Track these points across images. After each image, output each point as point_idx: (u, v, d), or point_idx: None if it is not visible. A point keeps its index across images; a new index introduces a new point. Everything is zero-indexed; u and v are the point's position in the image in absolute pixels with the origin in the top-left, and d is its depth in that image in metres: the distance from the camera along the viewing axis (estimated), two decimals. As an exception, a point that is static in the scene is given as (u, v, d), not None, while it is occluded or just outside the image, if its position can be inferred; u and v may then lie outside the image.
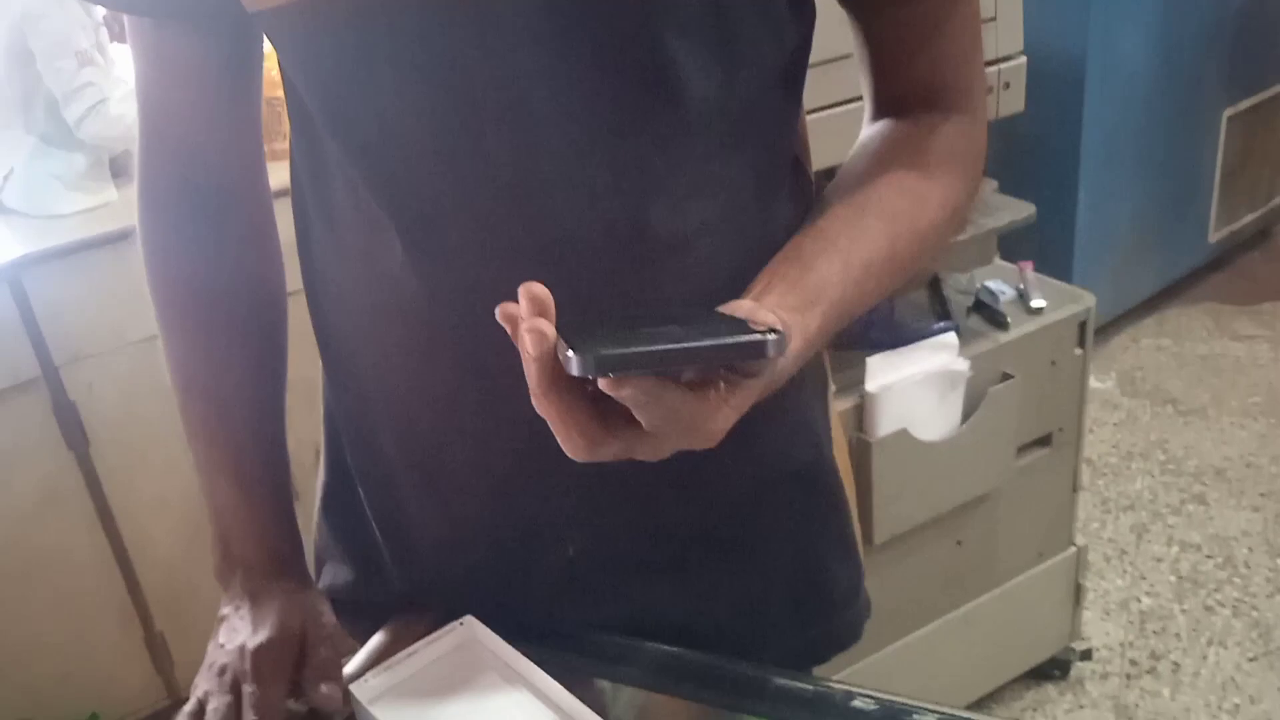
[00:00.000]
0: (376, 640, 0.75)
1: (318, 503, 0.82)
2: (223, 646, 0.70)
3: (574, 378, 0.46)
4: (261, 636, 0.69)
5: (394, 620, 0.77)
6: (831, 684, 0.70)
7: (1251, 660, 1.96)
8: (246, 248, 0.74)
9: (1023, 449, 1.73)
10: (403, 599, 0.78)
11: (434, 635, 0.72)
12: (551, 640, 0.74)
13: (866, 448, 1.50)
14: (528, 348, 0.46)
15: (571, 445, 0.48)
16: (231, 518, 0.75)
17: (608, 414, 0.48)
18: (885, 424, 1.50)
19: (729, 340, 0.47)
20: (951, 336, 1.55)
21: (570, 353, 0.45)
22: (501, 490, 0.72)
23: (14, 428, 1.75)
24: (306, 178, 0.68)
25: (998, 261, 1.82)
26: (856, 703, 0.68)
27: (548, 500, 0.70)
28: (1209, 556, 2.23)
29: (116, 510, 1.87)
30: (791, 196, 0.71)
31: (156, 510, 1.91)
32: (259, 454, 0.75)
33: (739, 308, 0.53)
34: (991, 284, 1.74)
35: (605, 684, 0.73)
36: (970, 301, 1.72)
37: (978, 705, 1.89)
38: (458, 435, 0.70)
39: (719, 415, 0.50)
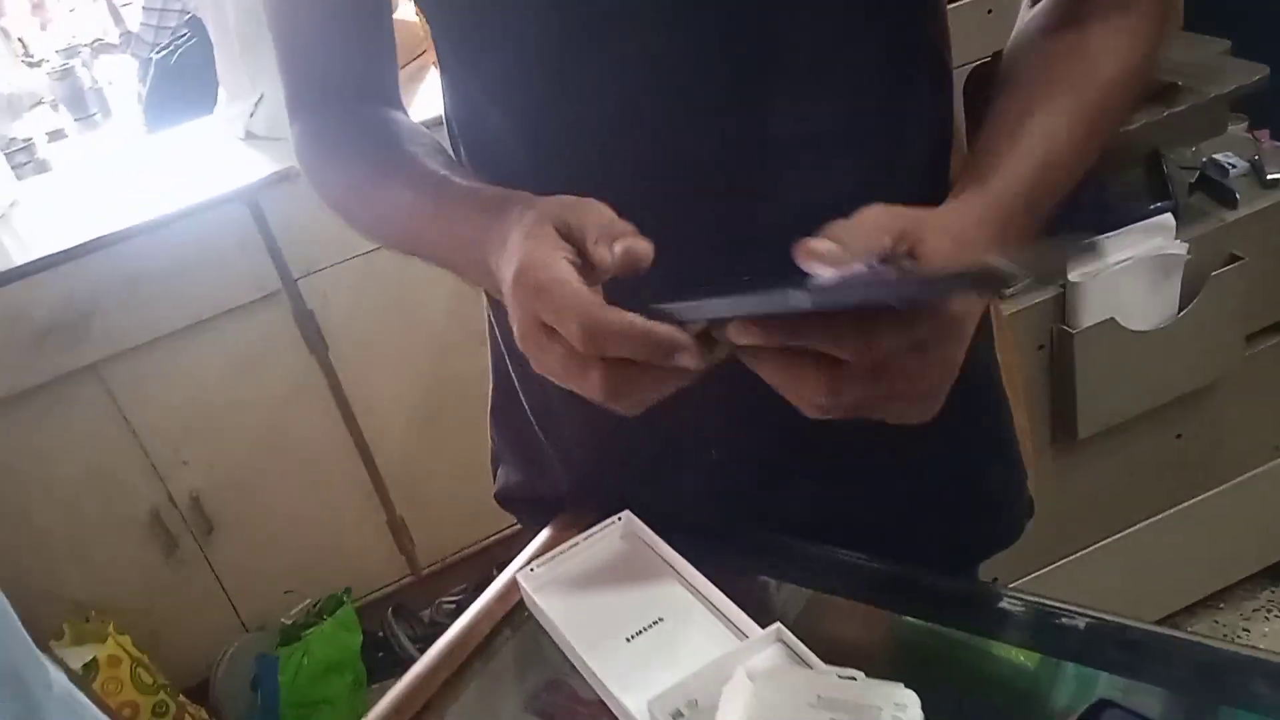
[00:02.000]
0: (544, 534, 0.81)
1: (489, 413, 0.88)
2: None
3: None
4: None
5: (560, 516, 0.82)
6: (980, 585, 0.70)
7: None
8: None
9: (1254, 336, 1.60)
10: (568, 496, 0.83)
11: (594, 529, 0.77)
12: (705, 535, 0.77)
13: (1068, 339, 1.43)
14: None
15: (800, 393, 0.50)
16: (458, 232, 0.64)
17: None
18: (1089, 314, 1.43)
19: (950, 272, 0.45)
20: (1168, 218, 1.44)
21: (791, 290, 0.44)
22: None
23: (262, 334, 1.94)
24: (451, 108, 0.72)
25: (1232, 131, 1.66)
26: (1004, 604, 0.68)
27: (687, 413, 0.73)
28: None
29: (356, 406, 2.05)
30: (930, 93, 0.68)
31: (392, 405, 2.09)
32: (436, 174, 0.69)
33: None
34: (1221, 157, 1.60)
35: (756, 579, 0.76)
36: (1194, 178, 1.58)
37: (1202, 605, 1.80)
38: None
39: (932, 371, 0.51)
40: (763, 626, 0.66)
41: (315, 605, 2.03)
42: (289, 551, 2.06)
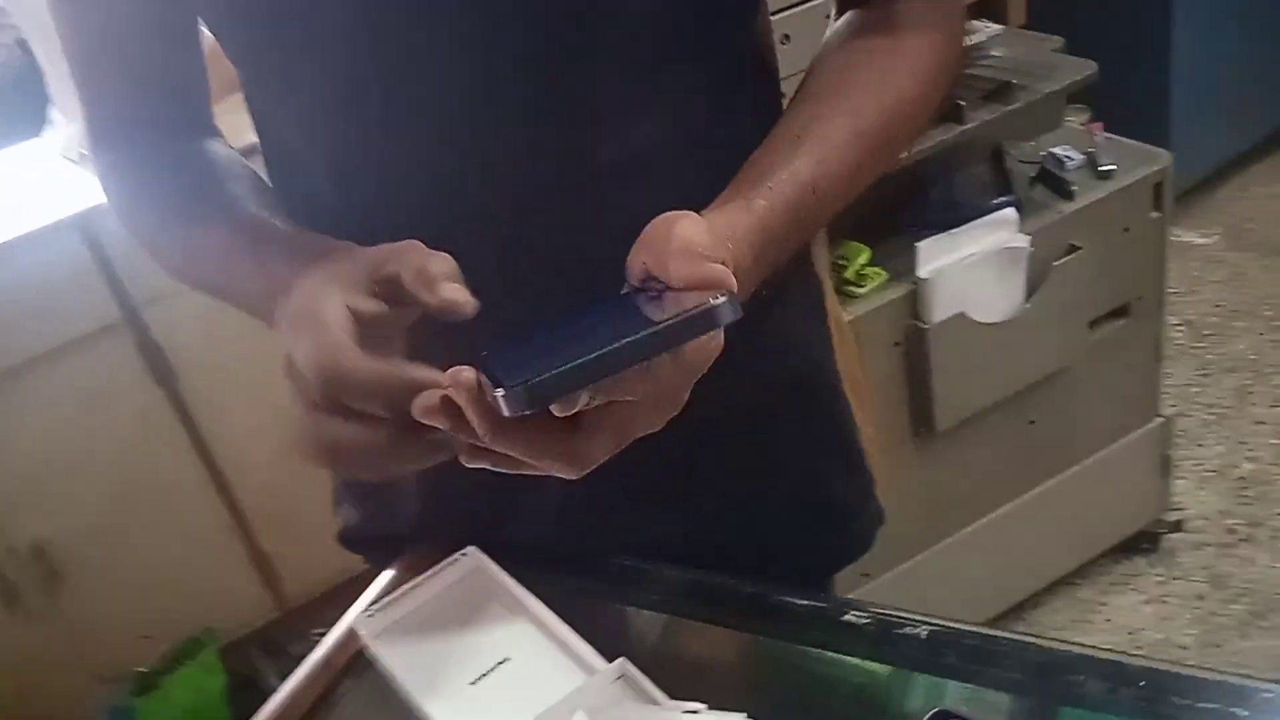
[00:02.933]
0: (386, 576, 0.78)
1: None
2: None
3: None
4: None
5: (403, 555, 0.79)
6: (827, 600, 0.70)
7: (1359, 523, 1.88)
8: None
9: (1097, 322, 1.66)
10: (411, 534, 0.80)
11: (436, 568, 0.74)
12: (557, 567, 0.75)
13: (921, 335, 1.46)
14: (462, 404, 0.45)
15: (559, 469, 0.47)
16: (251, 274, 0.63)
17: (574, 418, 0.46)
18: (941, 309, 1.46)
19: (673, 321, 0.43)
20: (1010, 212, 1.48)
21: (499, 392, 0.42)
22: None
23: (105, 369, 1.83)
24: (262, 145, 0.69)
25: (1069, 125, 1.72)
26: (849, 617, 0.68)
27: None
28: (1317, 416, 2.13)
29: (211, 439, 1.96)
30: (754, 109, 0.67)
31: (251, 436, 2.00)
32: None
33: (659, 240, 0.50)
34: (1058, 150, 1.65)
35: (612, 608, 0.74)
36: (1035, 171, 1.63)
37: (1060, 583, 1.87)
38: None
39: (681, 382, 0.48)
40: (607, 653, 0.64)
41: (175, 650, 1.93)
42: (145, 596, 1.96)
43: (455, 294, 0.49)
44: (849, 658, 0.66)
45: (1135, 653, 1.64)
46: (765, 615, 0.70)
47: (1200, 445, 2.12)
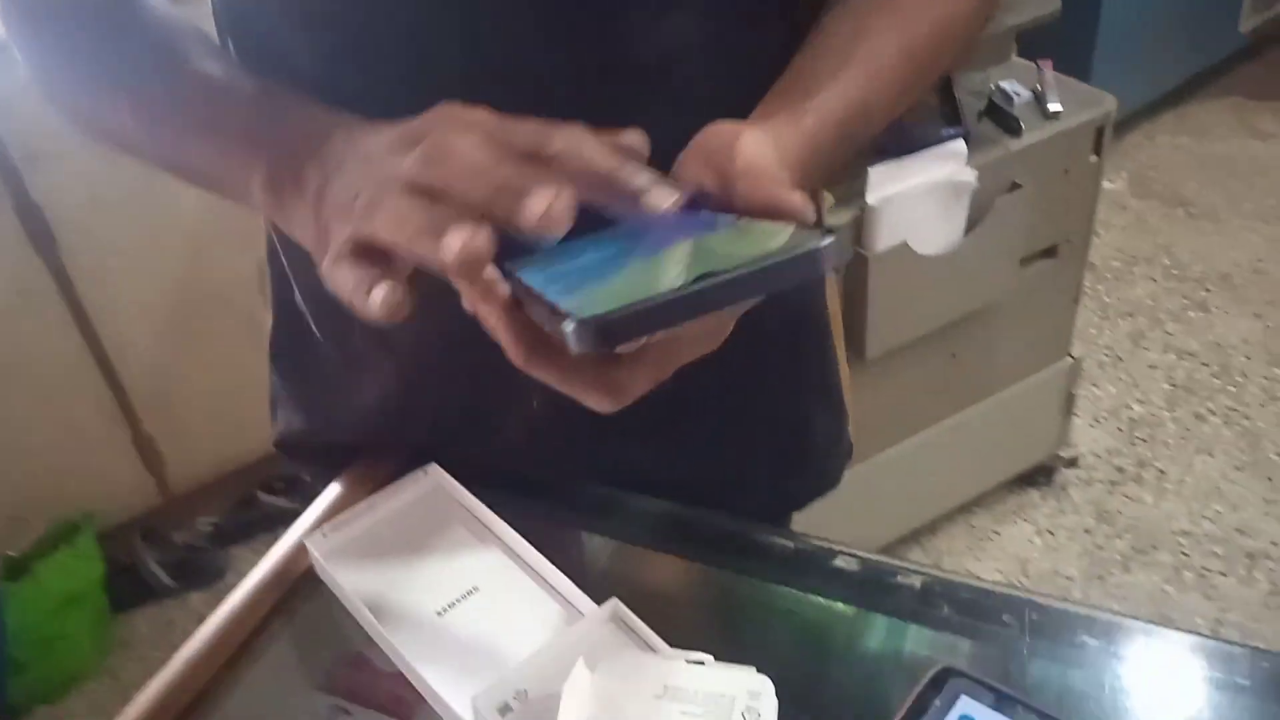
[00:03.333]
0: (334, 490, 0.71)
1: (268, 349, 0.76)
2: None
3: None
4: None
5: (352, 468, 0.73)
6: (813, 541, 0.67)
7: (1238, 469, 1.97)
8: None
9: (1027, 260, 1.67)
10: (361, 444, 0.74)
11: (394, 485, 0.68)
12: (520, 491, 0.70)
13: (863, 262, 1.44)
14: (492, 321, 0.40)
15: (594, 400, 0.42)
16: (236, 131, 0.53)
17: None
18: (885, 238, 1.43)
19: (777, 260, 0.36)
20: (960, 144, 1.46)
21: (567, 325, 0.35)
22: (464, 338, 0.66)
23: (-25, 229, 1.68)
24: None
25: (1015, 59, 1.70)
26: (838, 561, 0.65)
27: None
28: (1205, 364, 2.21)
29: (93, 313, 1.83)
30: (786, 10, 0.62)
31: (137, 312, 1.88)
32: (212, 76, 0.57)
33: (720, 137, 0.45)
34: (1006, 85, 1.63)
35: (576, 536, 0.70)
36: (983, 104, 1.61)
37: (960, 510, 1.91)
38: (420, 281, 0.64)
39: (732, 316, 0.44)
40: (584, 588, 0.60)
41: (49, 534, 1.82)
42: (17, 476, 1.83)
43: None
44: (835, 603, 0.64)
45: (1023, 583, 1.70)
46: (743, 552, 0.67)
47: (1095, 386, 2.19)
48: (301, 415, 0.76)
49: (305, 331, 0.71)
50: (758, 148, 0.44)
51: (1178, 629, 0.58)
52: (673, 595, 0.68)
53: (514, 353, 0.41)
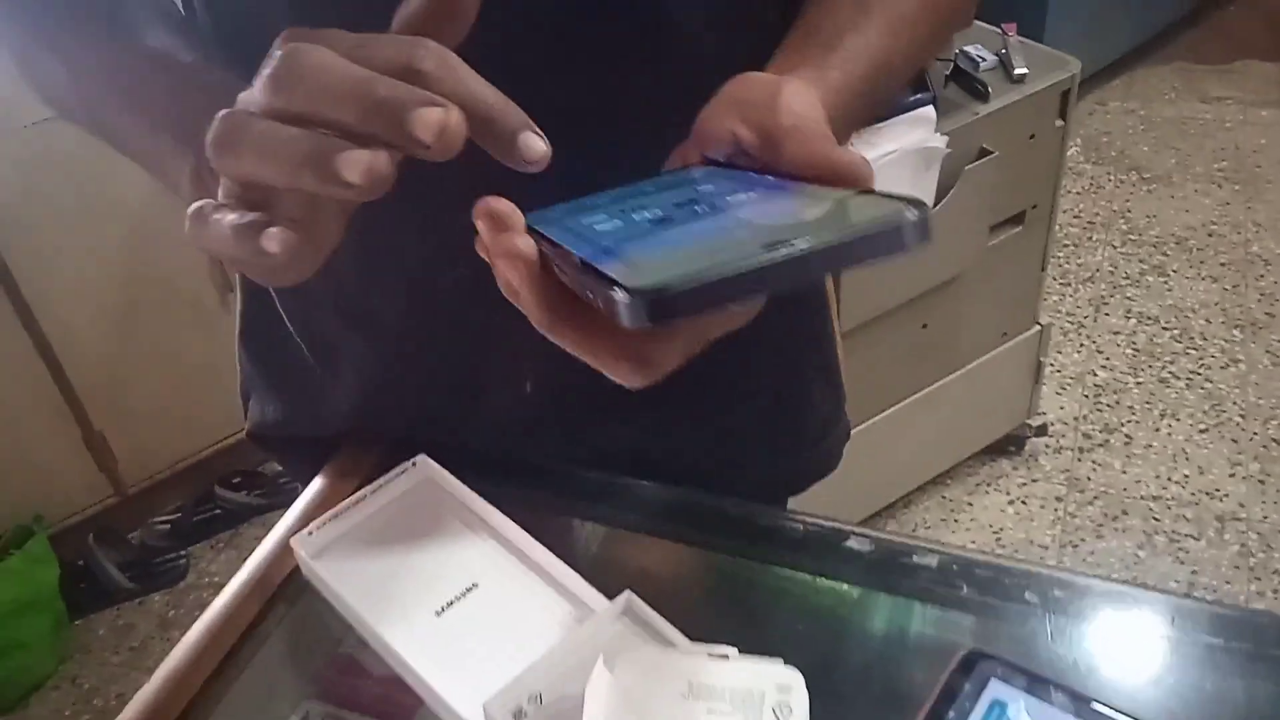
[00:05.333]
0: (317, 485, 0.68)
1: (237, 331, 0.72)
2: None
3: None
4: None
5: (334, 461, 0.69)
6: (823, 521, 0.64)
7: (1203, 432, 1.99)
8: None
9: (996, 228, 1.66)
10: (343, 435, 0.70)
11: (383, 479, 0.65)
12: (512, 479, 0.67)
13: (837, 233, 1.41)
14: (512, 280, 0.36)
15: (623, 372, 0.38)
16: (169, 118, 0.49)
17: None
18: (857, 207, 1.41)
19: (860, 235, 0.32)
20: (929, 110, 1.44)
21: (619, 296, 0.30)
22: (451, 318, 0.63)
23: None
24: None
25: (977, 23, 1.68)
26: (851, 543, 0.63)
27: (500, 327, 0.61)
28: (1166, 328, 2.23)
29: (35, 305, 1.75)
30: None
31: (81, 302, 1.80)
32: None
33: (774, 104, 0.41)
34: (971, 49, 1.61)
35: (575, 524, 0.67)
36: (948, 69, 1.59)
37: (934, 483, 1.91)
38: (397, 258, 0.60)
39: None
40: (586, 580, 0.56)
41: (1, 538, 1.74)
42: (-38, 479, 1.76)
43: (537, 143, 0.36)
44: (851, 586, 0.61)
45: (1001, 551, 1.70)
46: (751, 535, 0.64)
47: (1060, 353, 2.19)
48: (276, 403, 0.72)
49: (275, 311, 0.67)
50: (805, 103, 0.40)
51: (1215, 601, 0.57)
52: (682, 584, 0.65)
53: (537, 316, 0.37)
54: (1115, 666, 0.55)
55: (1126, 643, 0.56)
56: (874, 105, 0.51)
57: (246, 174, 0.35)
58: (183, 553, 1.90)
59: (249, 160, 0.34)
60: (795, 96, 0.40)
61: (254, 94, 0.35)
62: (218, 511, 1.96)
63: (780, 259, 0.31)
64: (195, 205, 0.37)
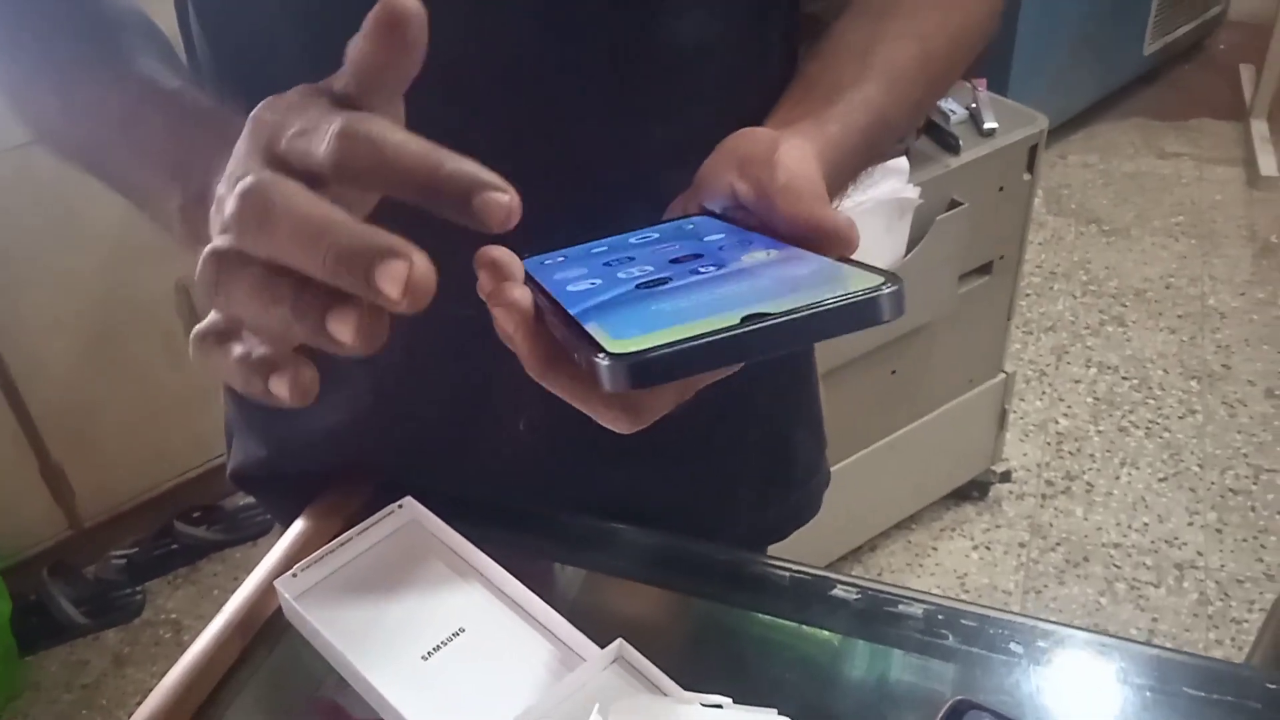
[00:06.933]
0: (300, 526, 0.67)
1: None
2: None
3: None
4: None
5: (319, 502, 0.68)
6: (809, 570, 0.65)
7: (1161, 480, 2.02)
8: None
9: (964, 277, 1.68)
10: (328, 476, 0.69)
11: (368, 520, 0.64)
12: (498, 522, 0.67)
13: (811, 279, 1.43)
14: (507, 329, 0.36)
15: (612, 419, 0.39)
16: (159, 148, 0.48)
17: None
18: (831, 254, 1.43)
19: (836, 304, 0.33)
20: (902, 161, 1.47)
21: (602, 360, 0.32)
22: (444, 353, 0.63)
23: None
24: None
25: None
26: (837, 591, 0.63)
27: (496, 366, 0.61)
28: (1125, 378, 2.27)
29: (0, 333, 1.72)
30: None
31: (48, 331, 1.78)
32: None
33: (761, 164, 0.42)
34: (943, 103, 1.64)
35: (562, 570, 0.67)
36: (921, 121, 1.62)
37: (899, 527, 1.92)
38: None
39: None
40: (571, 621, 0.56)
41: (-50, 572, 1.70)
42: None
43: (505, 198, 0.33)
44: (835, 635, 0.61)
45: (964, 597, 1.71)
46: (737, 583, 0.64)
47: (1023, 400, 2.22)
48: (259, 444, 0.71)
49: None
50: (800, 161, 0.41)
51: (1192, 653, 0.58)
52: (670, 631, 0.65)
53: (531, 364, 0.38)
54: (1097, 716, 0.55)
55: (1108, 692, 0.56)
56: (872, 158, 0.52)
57: (239, 318, 0.34)
58: (139, 588, 1.86)
59: (239, 307, 0.33)
60: (791, 153, 0.41)
61: (226, 222, 0.33)
62: (175, 547, 1.92)
63: (754, 330, 0.32)
64: (197, 331, 0.35)
